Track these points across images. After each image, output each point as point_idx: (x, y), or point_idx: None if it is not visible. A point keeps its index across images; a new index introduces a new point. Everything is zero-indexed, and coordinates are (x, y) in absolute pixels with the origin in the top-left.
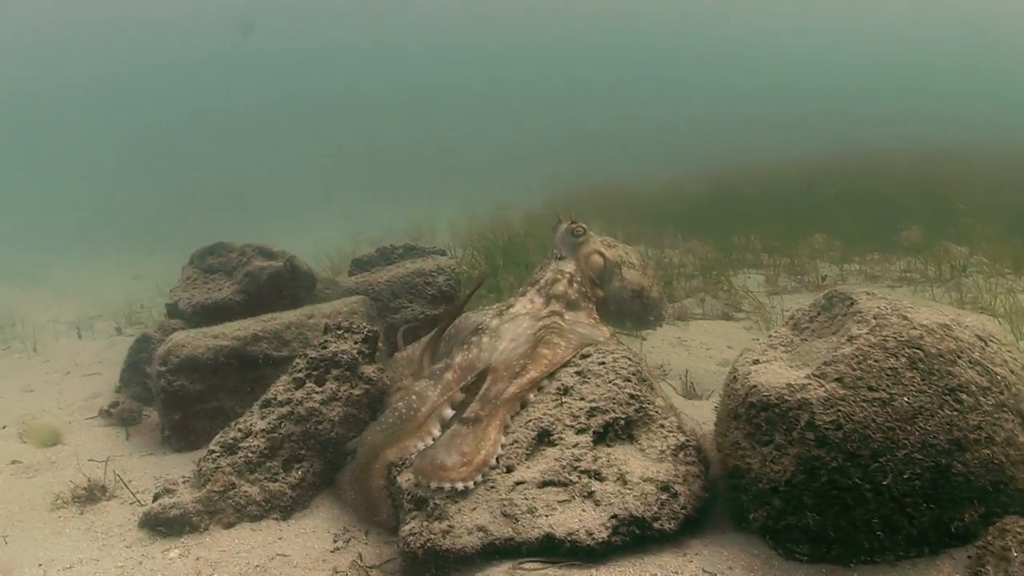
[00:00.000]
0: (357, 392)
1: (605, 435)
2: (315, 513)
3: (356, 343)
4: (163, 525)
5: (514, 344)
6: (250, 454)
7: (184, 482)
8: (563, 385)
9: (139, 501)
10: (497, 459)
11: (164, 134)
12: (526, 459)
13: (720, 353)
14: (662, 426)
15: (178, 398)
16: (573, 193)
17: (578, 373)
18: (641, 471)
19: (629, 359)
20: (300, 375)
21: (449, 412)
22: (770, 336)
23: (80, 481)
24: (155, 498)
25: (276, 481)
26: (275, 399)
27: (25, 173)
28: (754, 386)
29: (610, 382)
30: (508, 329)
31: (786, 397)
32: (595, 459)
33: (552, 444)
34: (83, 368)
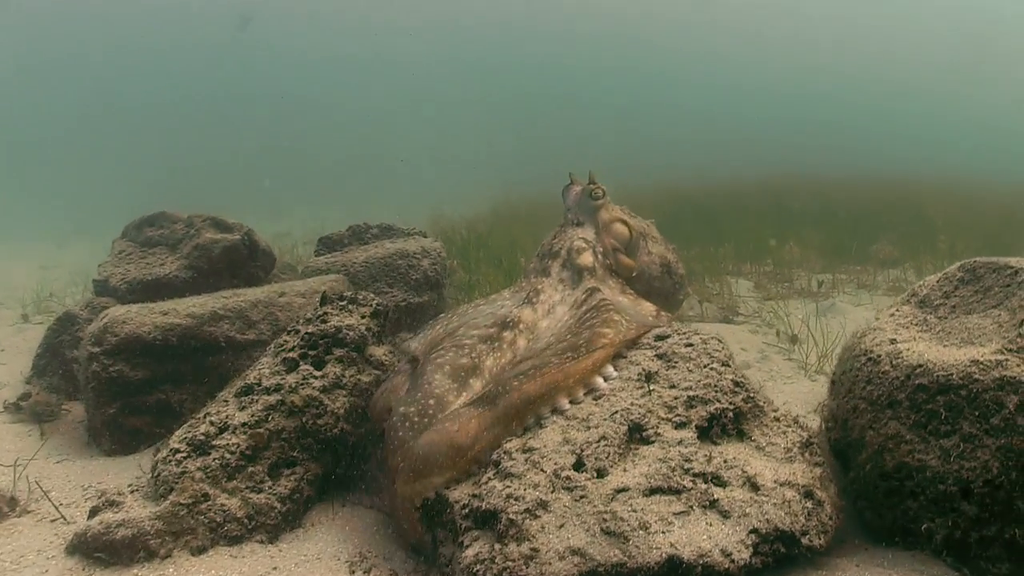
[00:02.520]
0: (366, 379)
1: (709, 430)
2: (313, 534)
3: (364, 317)
4: (104, 550)
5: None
6: (227, 455)
7: (132, 492)
8: (645, 370)
9: (65, 518)
10: (581, 460)
11: (83, 118)
12: (619, 460)
13: (737, 356)
14: (777, 419)
15: (115, 387)
16: (518, 202)
17: (660, 357)
18: (772, 474)
19: (719, 340)
20: (292, 355)
21: None
22: (892, 315)
23: None
24: (92, 513)
25: (261, 491)
26: (259, 384)
27: None
28: (919, 366)
29: (706, 367)
30: (548, 327)
31: (976, 376)
32: (708, 459)
33: (647, 441)
34: None
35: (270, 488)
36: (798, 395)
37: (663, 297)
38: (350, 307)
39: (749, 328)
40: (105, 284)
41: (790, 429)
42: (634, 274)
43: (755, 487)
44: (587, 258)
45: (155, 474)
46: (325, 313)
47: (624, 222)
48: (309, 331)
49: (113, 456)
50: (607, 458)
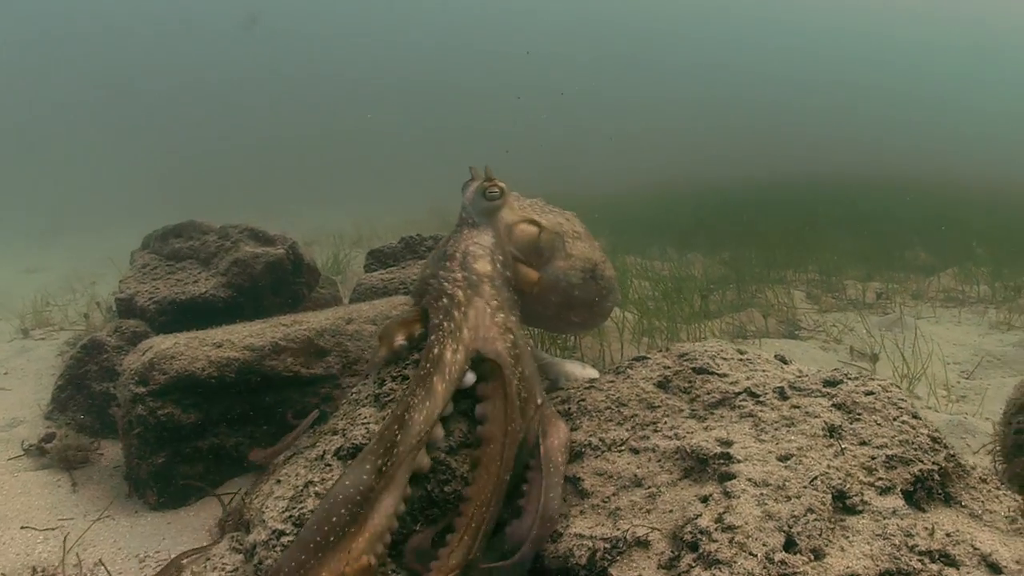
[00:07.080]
0: None
1: (914, 495)
2: None
3: None
4: None
5: None
6: None
7: (218, 570)
8: (828, 423)
9: None
10: (792, 539)
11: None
12: (831, 536)
13: None
14: (983, 480)
15: (164, 433)
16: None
17: (838, 407)
18: (1008, 551)
19: (899, 387)
20: None
21: None
22: None
23: (14, 568)
24: None
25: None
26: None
27: None
28: None
29: (895, 420)
30: None
31: None
32: (930, 533)
33: (854, 511)
34: None
35: (394, 572)
36: None
37: (586, 307)
38: None
39: (817, 344)
40: (130, 303)
41: (1002, 492)
42: (536, 289)
43: (995, 568)
44: (484, 265)
45: (255, 559)
46: None
47: (533, 221)
48: None
49: (161, 511)
50: (820, 535)
